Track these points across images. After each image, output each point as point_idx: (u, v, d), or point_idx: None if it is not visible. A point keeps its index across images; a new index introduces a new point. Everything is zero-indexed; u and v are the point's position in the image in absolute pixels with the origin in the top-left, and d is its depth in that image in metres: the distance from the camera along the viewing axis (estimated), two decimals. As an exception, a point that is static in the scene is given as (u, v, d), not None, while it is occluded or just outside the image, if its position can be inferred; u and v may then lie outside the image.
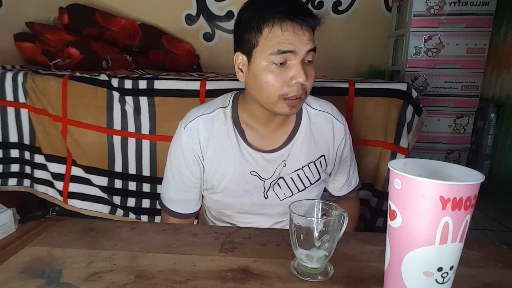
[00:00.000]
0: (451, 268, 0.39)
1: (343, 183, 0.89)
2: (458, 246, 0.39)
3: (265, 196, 0.78)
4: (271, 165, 0.76)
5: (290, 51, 0.63)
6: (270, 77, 0.65)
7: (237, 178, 0.76)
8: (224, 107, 0.77)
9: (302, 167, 0.78)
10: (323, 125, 0.79)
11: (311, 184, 0.79)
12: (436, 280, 0.39)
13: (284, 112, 0.68)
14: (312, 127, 0.78)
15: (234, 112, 0.77)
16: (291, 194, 0.78)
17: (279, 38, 0.63)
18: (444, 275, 0.39)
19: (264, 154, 0.76)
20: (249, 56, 0.68)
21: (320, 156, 0.79)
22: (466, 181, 0.36)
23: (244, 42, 0.68)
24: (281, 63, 0.64)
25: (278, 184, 0.78)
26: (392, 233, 0.42)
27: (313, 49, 0.66)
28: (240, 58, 0.71)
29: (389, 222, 0.42)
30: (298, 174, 0.78)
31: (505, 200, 2.08)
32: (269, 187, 0.78)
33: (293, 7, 0.64)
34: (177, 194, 0.79)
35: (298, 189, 0.79)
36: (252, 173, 0.76)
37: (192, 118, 0.77)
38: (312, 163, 0.79)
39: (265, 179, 0.77)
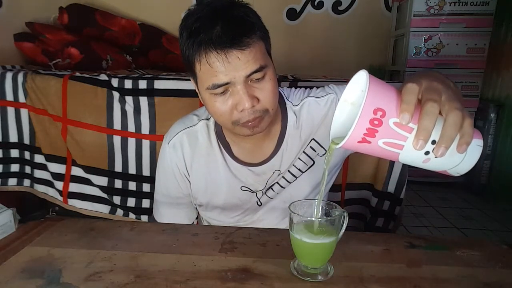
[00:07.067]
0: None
1: None
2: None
3: (259, 203, 0.75)
4: (262, 178, 0.72)
5: (225, 84, 0.57)
6: (216, 106, 0.60)
7: (226, 196, 0.73)
8: (207, 119, 0.73)
9: (293, 163, 0.72)
10: (311, 112, 0.72)
11: (302, 172, 0.73)
12: None
13: (247, 134, 0.63)
14: (299, 123, 0.72)
15: (217, 125, 0.71)
16: (282, 188, 0.74)
17: (209, 71, 0.57)
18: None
19: (253, 168, 0.71)
20: (195, 83, 0.64)
21: (310, 141, 0.72)
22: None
23: (188, 68, 0.62)
24: (222, 93, 0.59)
25: (271, 189, 0.74)
26: None
27: (257, 70, 0.57)
28: (192, 81, 0.65)
29: None
30: (289, 170, 0.73)
31: (505, 200, 2.07)
32: (262, 195, 0.74)
33: (215, 32, 0.55)
34: (169, 210, 0.78)
35: (288, 182, 0.73)
36: (243, 188, 0.72)
37: (176, 133, 0.73)
38: (302, 152, 0.72)
39: (257, 191, 0.73)
